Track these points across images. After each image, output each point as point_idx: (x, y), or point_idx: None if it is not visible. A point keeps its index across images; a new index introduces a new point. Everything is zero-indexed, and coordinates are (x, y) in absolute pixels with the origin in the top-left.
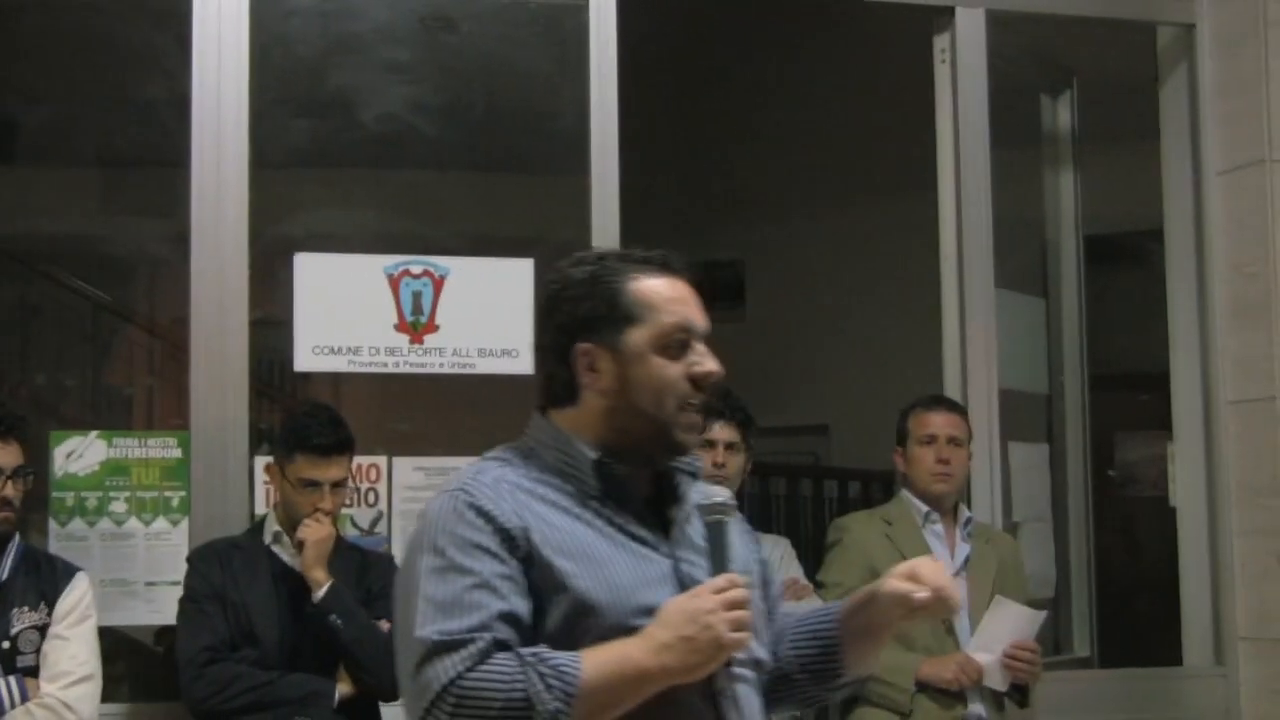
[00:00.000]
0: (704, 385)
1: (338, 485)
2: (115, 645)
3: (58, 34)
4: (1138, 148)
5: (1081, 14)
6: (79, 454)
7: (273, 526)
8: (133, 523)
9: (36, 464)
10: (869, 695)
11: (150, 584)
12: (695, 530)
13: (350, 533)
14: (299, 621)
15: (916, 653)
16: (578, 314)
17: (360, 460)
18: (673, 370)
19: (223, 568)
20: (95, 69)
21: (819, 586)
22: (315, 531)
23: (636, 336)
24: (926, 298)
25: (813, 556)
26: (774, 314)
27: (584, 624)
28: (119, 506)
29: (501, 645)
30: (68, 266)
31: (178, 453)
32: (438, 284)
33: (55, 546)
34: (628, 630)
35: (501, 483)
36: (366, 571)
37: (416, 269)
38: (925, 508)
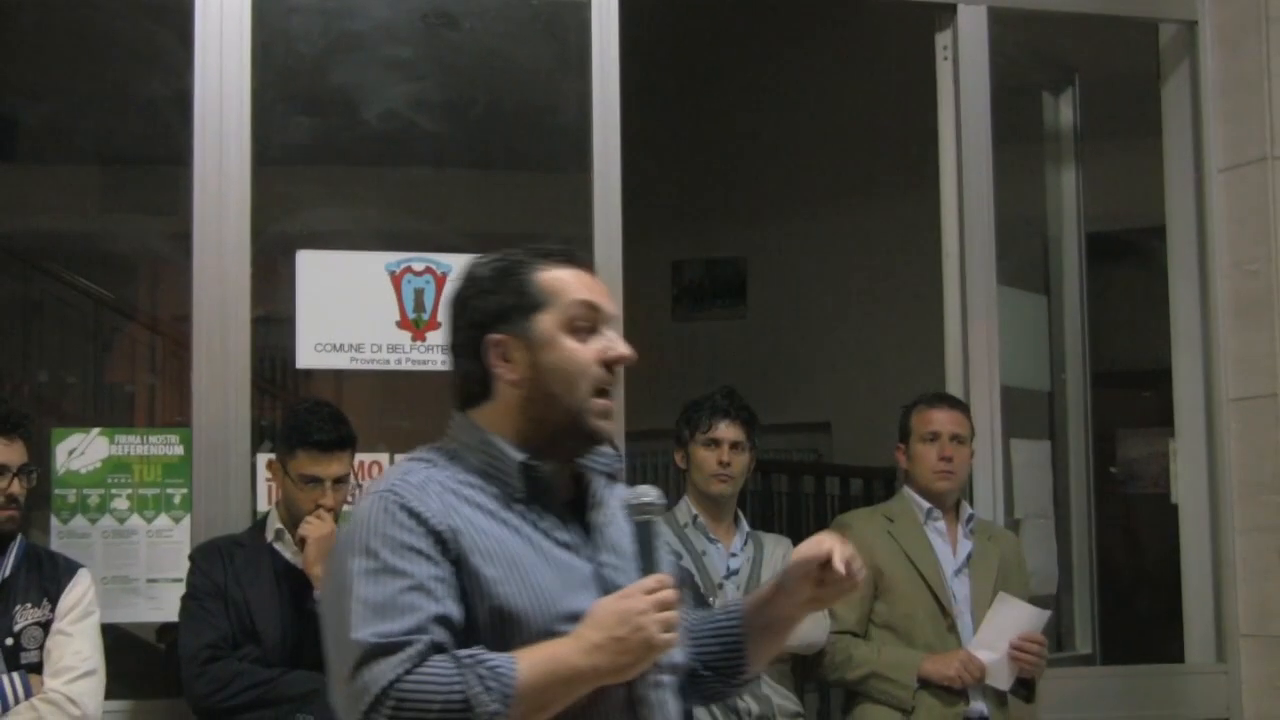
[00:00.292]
0: (615, 369)
1: (339, 481)
2: (117, 642)
3: (59, 31)
4: (1140, 145)
5: (1083, 11)
6: (81, 451)
7: (275, 524)
8: (135, 520)
9: (38, 461)
10: (871, 692)
11: (152, 581)
12: (615, 531)
13: None
14: (301, 618)
15: (919, 650)
16: (487, 308)
17: (362, 457)
18: (584, 353)
19: (225, 565)
20: (97, 66)
21: None
22: (317, 528)
23: (545, 321)
24: (928, 295)
25: None
26: (776, 311)
27: (508, 630)
28: (121, 503)
29: (438, 648)
30: (70, 264)
31: (179, 450)
32: (439, 281)
33: (57, 544)
34: (552, 636)
35: (430, 483)
36: None
37: (418, 266)
38: (927, 505)
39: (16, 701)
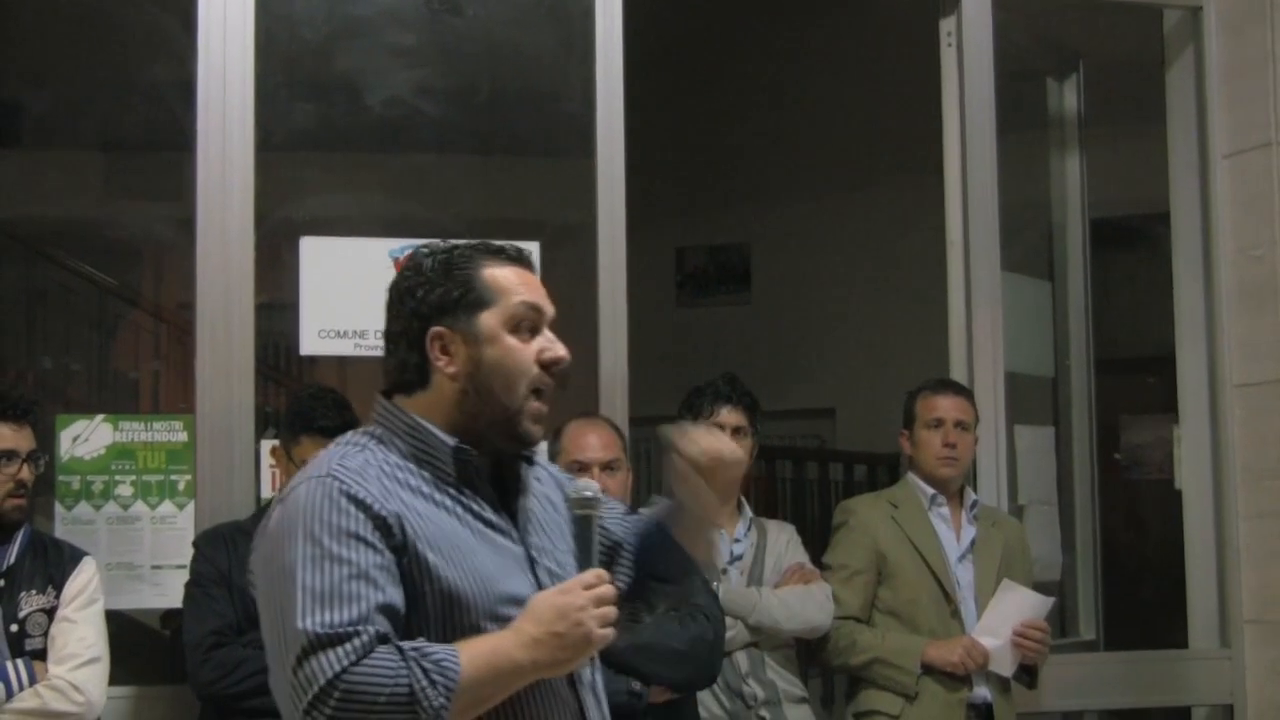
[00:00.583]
0: (554, 370)
1: None
2: (121, 629)
3: (63, 17)
4: (1144, 131)
5: None
6: (85, 438)
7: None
8: (139, 506)
9: (43, 448)
10: (874, 678)
11: (156, 567)
12: (542, 514)
13: None
14: None
15: (922, 635)
16: (431, 299)
17: None
18: (524, 352)
19: (229, 552)
20: (101, 52)
21: (824, 569)
22: None
23: (489, 318)
24: (933, 281)
25: (819, 539)
26: (780, 297)
27: (454, 614)
28: (125, 490)
29: (382, 639)
30: (73, 250)
31: (184, 436)
32: None
33: (61, 530)
34: (496, 618)
35: (368, 468)
36: None
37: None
38: (931, 490)
39: (21, 688)
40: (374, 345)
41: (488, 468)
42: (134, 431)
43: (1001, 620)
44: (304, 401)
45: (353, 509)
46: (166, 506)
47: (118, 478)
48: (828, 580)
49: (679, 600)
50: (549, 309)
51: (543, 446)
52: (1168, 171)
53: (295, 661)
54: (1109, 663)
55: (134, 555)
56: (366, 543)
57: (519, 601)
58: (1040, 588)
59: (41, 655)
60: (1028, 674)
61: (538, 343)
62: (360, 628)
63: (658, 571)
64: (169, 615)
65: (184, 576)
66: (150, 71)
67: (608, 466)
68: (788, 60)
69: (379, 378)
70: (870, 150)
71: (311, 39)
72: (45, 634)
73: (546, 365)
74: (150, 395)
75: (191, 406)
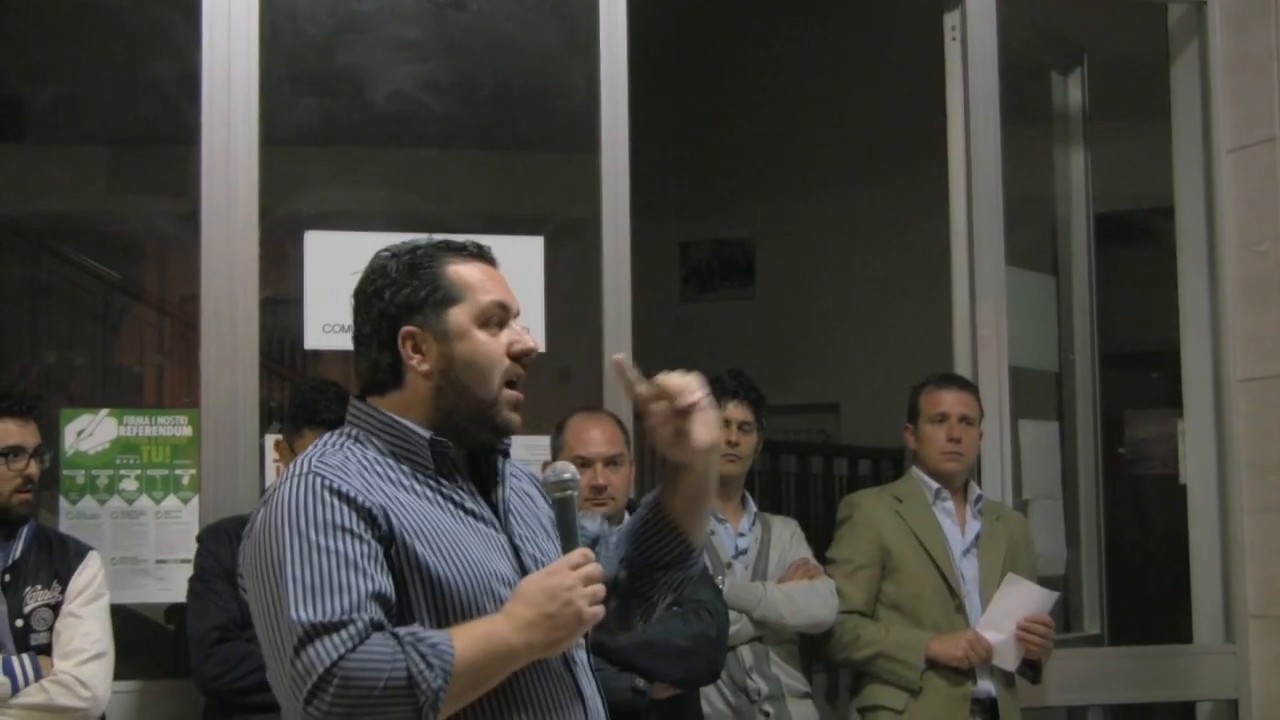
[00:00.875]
0: (524, 360)
1: None
2: (126, 623)
3: (67, 12)
4: (1148, 125)
5: None
6: (89, 432)
7: None
8: (143, 501)
9: (47, 442)
10: (878, 672)
11: (161, 562)
12: (520, 505)
13: None
14: None
15: (926, 630)
16: (399, 299)
17: None
18: (495, 345)
19: (232, 547)
20: (105, 47)
21: (829, 563)
22: None
23: (458, 315)
24: (937, 275)
25: (823, 533)
26: (784, 292)
27: (444, 599)
28: (129, 485)
29: (376, 625)
30: (78, 245)
31: (188, 431)
32: None
33: (66, 525)
34: (490, 597)
35: (349, 463)
36: None
37: None
38: (935, 485)
39: (27, 683)
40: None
41: (464, 461)
42: (138, 426)
43: (1005, 614)
44: (306, 394)
45: (336, 502)
46: (171, 501)
47: (122, 472)
48: (832, 575)
49: (682, 587)
50: (515, 303)
51: (544, 441)
52: (1172, 166)
53: (292, 653)
54: (1113, 658)
55: (138, 550)
56: (353, 533)
57: (509, 582)
58: (1045, 582)
59: (46, 650)
60: (1032, 669)
61: (506, 335)
62: (354, 615)
63: (654, 558)
64: (173, 610)
65: (188, 571)
66: (154, 66)
67: (611, 461)
68: (792, 55)
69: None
70: (874, 145)
71: (315, 34)
72: (50, 629)
73: (517, 357)
74: (154, 389)
75: (196, 401)
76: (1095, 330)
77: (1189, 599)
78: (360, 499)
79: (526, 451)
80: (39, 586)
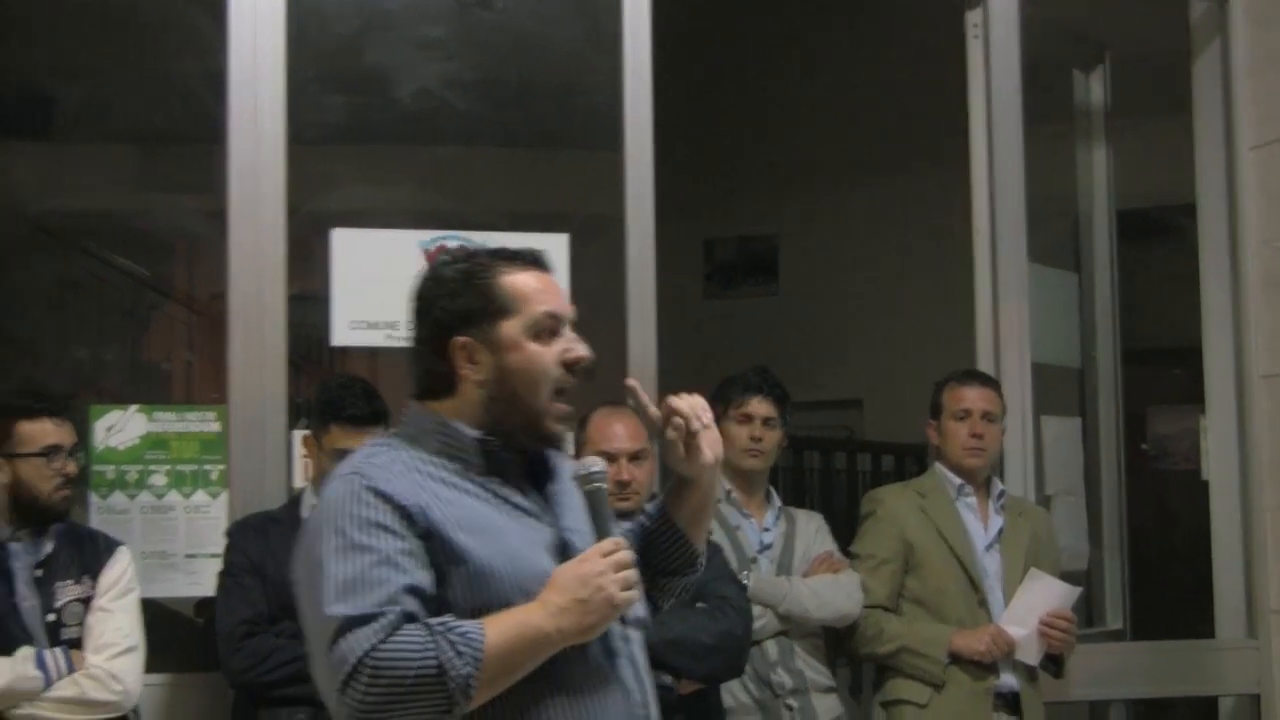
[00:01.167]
0: (576, 369)
1: None
2: (156, 617)
3: (97, 12)
4: (1170, 123)
5: None
6: (119, 428)
7: (310, 500)
8: (172, 496)
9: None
10: (902, 666)
11: (190, 556)
12: (570, 500)
13: None
14: None
15: (949, 625)
16: (454, 309)
17: None
18: (546, 356)
19: (261, 541)
20: (134, 47)
21: (852, 558)
22: None
23: (510, 326)
24: (959, 272)
25: (847, 529)
26: (807, 289)
27: (485, 592)
28: (159, 480)
29: (409, 617)
30: (107, 242)
31: (216, 426)
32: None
33: (96, 519)
34: (528, 594)
35: (394, 464)
36: None
37: (452, 244)
38: (958, 481)
39: (59, 676)
40: (404, 336)
41: (516, 457)
42: (167, 422)
43: (1028, 609)
44: (333, 390)
45: (376, 501)
46: (200, 496)
47: (151, 467)
48: (855, 570)
49: (684, 593)
50: (568, 311)
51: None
52: (1193, 163)
53: (328, 646)
54: (1136, 652)
55: (168, 544)
56: (390, 530)
57: (549, 576)
58: (1067, 577)
59: (78, 644)
60: (1055, 663)
61: (559, 344)
62: (387, 608)
63: (662, 564)
64: (203, 603)
65: (217, 565)
66: (183, 66)
67: (635, 456)
68: (816, 52)
69: (408, 368)
70: (897, 143)
71: (342, 33)
72: (81, 623)
73: (569, 365)
74: (183, 385)
75: (224, 397)
76: (1117, 326)
77: (1211, 594)
78: (399, 498)
79: None
80: (70, 581)
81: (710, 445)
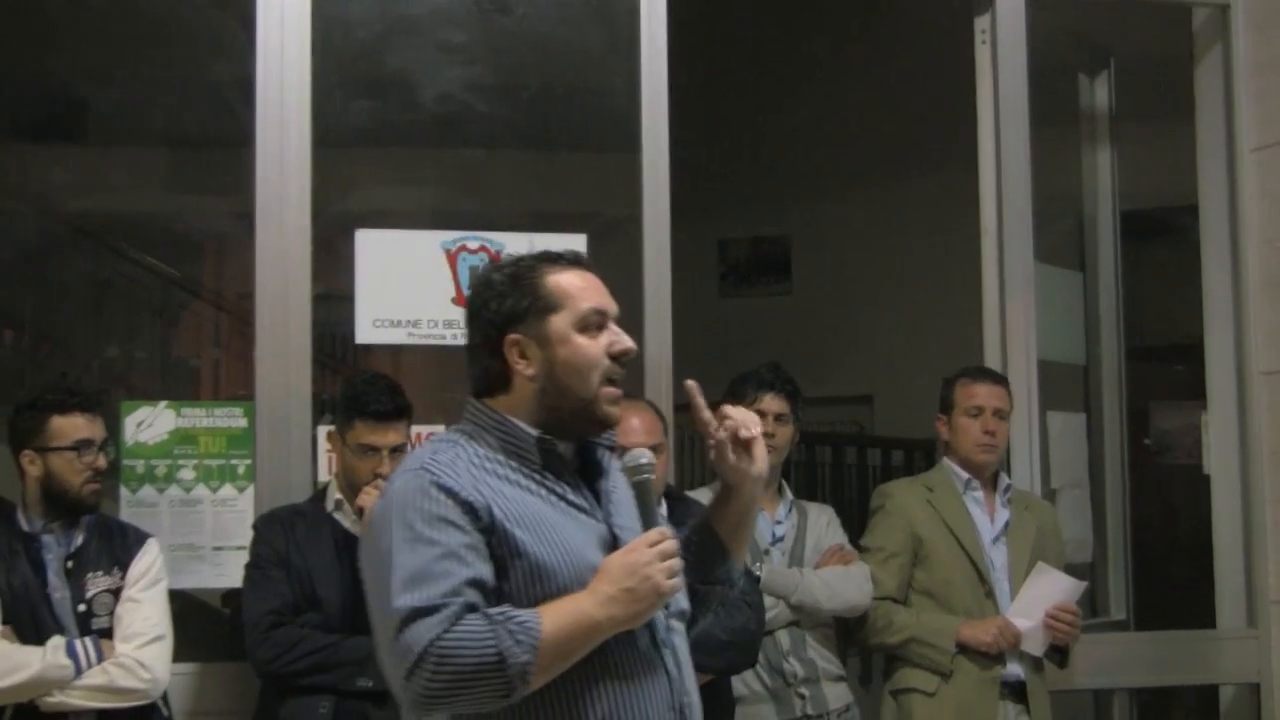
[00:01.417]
0: (622, 360)
1: (396, 451)
2: (184, 607)
3: (129, 19)
4: (1173, 126)
5: None
6: (149, 423)
7: (334, 494)
8: (200, 490)
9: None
10: (911, 656)
11: (217, 549)
12: (620, 496)
13: None
14: (360, 585)
15: (957, 616)
16: (504, 310)
17: (420, 429)
18: (594, 348)
19: (287, 534)
20: (165, 52)
21: (863, 551)
22: (374, 498)
23: (558, 322)
24: (967, 272)
25: (857, 522)
26: (819, 288)
27: (541, 584)
28: (187, 474)
29: (471, 608)
30: (138, 243)
31: (243, 422)
32: (493, 259)
33: (126, 513)
34: (583, 586)
35: (458, 461)
36: None
37: (473, 244)
38: (966, 475)
39: (89, 665)
40: (426, 334)
41: (571, 455)
42: (195, 417)
43: (1035, 602)
44: (357, 387)
45: (442, 496)
46: (227, 490)
47: (180, 462)
48: (865, 562)
49: (720, 608)
50: (612, 307)
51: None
52: (1196, 165)
53: (395, 635)
54: (1138, 642)
55: (196, 537)
56: (455, 525)
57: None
58: (1072, 569)
59: (108, 634)
60: (1059, 654)
61: (605, 337)
62: (449, 600)
63: (703, 574)
64: (230, 595)
65: (244, 557)
66: (211, 71)
67: (651, 449)
68: (828, 56)
69: (431, 365)
70: (907, 145)
71: (366, 39)
72: (111, 613)
73: (616, 357)
74: (211, 382)
75: (251, 393)
76: (1121, 324)
77: (1212, 585)
78: (464, 493)
79: None
80: (100, 573)
81: (760, 458)
